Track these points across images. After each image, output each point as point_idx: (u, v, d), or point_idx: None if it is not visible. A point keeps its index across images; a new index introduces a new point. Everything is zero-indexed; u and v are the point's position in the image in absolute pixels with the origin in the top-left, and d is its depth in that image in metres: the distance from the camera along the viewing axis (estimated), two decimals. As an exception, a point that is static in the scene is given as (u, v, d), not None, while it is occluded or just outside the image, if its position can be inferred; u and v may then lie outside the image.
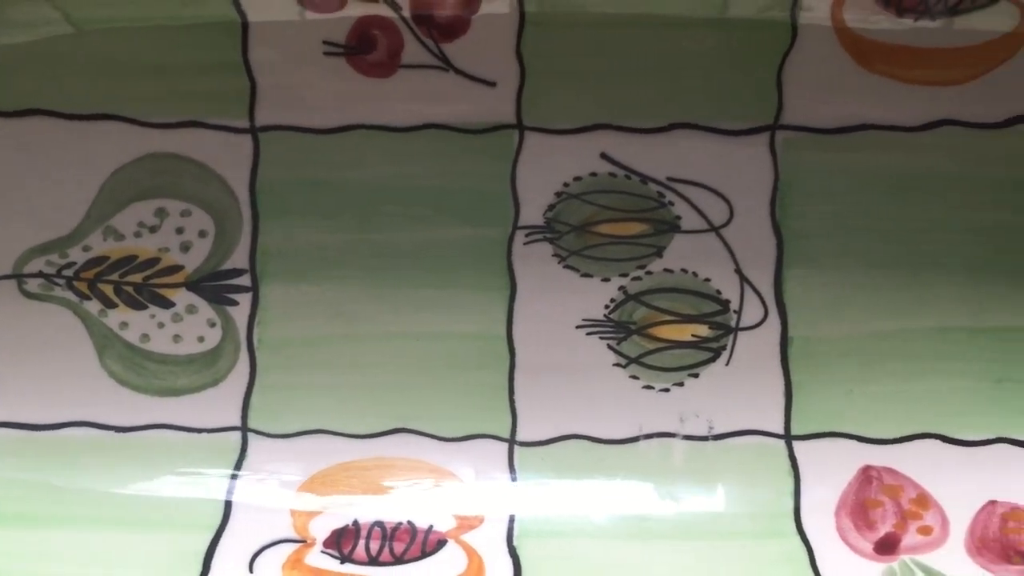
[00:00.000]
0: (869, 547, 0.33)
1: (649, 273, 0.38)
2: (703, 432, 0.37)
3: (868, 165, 0.38)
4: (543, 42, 0.37)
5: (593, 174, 0.38)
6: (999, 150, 0.37)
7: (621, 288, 0.38)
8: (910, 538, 0.33)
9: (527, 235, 0.38)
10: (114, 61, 0.37)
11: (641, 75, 0.37)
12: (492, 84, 0.38)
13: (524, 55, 0.37)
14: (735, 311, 0.38)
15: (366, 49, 0.37)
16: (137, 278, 0.38)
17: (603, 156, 0.38)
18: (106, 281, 0.38)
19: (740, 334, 0.37)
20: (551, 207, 0.38)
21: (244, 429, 0.37)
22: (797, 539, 0.34)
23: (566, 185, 0.38)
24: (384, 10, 0.36)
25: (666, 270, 0.38)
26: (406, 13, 0.36)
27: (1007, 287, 0.37)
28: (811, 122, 0.38)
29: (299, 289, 0.38)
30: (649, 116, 0.38)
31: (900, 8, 0.35)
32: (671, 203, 0.38)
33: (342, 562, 0.34)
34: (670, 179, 0.38)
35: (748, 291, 0.38)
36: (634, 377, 0.37)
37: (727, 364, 0.37)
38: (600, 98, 0.38)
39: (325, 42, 0.37)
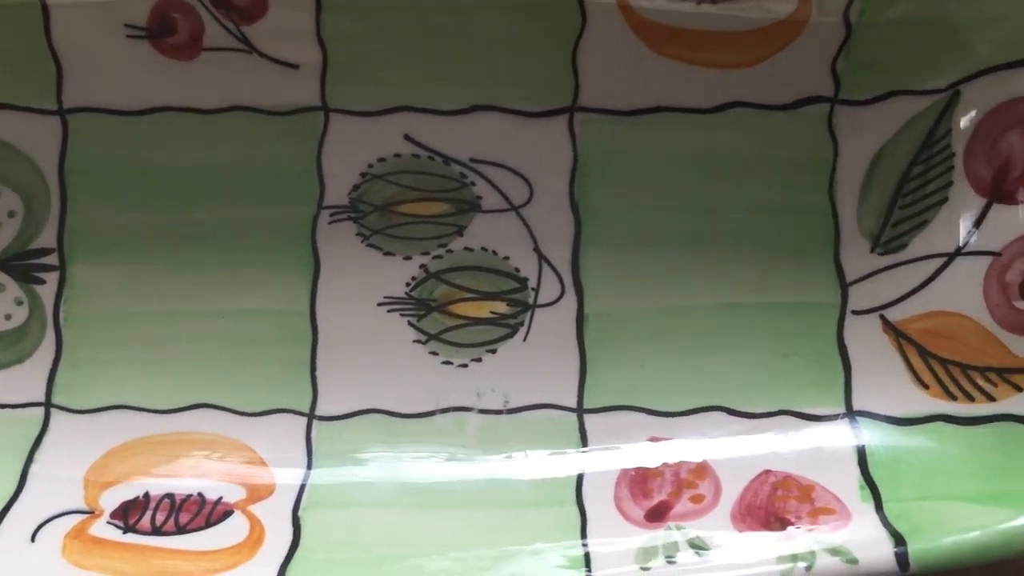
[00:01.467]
0: (641, 515, 0.33)
1: (450, 252, 0.38)
2: (498, 406, 0.37)
3: (663, 146, 0.38)
4: (343, 26, 0.37)
5: (397, 155, 0.38)
6: (787, 132, 0.37)
7: (422, 266, 0.38)
8: (681, 506, 0.33)
9: (331, 215, 0.38)
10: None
11: (442, 58, 0.37)
12: (295, 67, 0.38)
13: (324, 39, 0.37)
14: (533, 289, 0.38)
15: (167, 32, 0.37)
16: (-55, 255, 0.38)
17: (407, 138, 0.38)
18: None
19: (537, 311, 0.37)
20: (355, 187, 0.38)
21: (48, 405, 0.37)
22: (575, 508, 0.34)
23: (370, 166, 0.38)
24: None
25: (466, 249, 0.38)
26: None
27: (793, 264, 0.37)
28: (607, 104, 0.38)
29: (106, 268, 0.38)
30: (451, 98, 0.38)
31: None
32: (472, 183, 0.38)
33: (124, 532, 0.33)
34: (472, 160, 0.38)
35: (546, 269, 0.38)
36: (433, 353, 0.37)
37: (524, 340, 0.37)
38: (403, 81, 0.38)
39: (127, 25, 0.37)
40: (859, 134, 0.37)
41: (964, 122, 0.34)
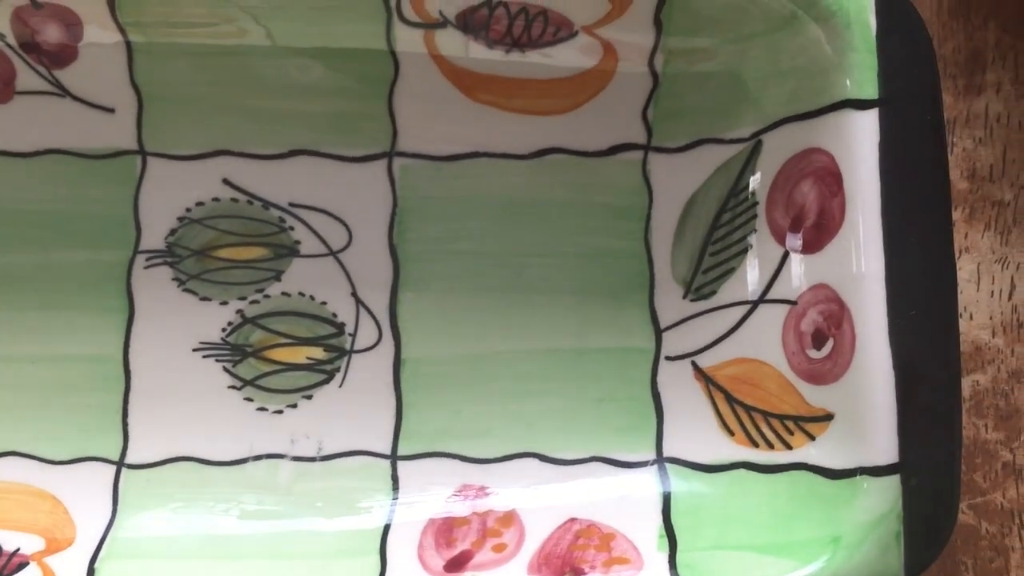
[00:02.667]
0: (441, 565, 0.32)
1: (267, 296, 0.37)
2: (312, 453, 0.36)
3: (481, 191, 0.37)
4: (156, 70, 0.36)
5: (216, 199, 0.37)
6: (603, 177, 0.37)
7: (239, 311, 0.37)
8: (482, 555, 0.32)
9: (148, 259, 0.37)
10: None
11: (258, 102, 0.37)
12: (110, 110, 0.37)
13: (138, 83, 0.36)
14: (350, 334, 0.37)
15: None
16: None
17: (225, 182, 0.37)
18: None
19: (354, 356, 0.37)
20: (173, 231, 0.37)
21: None
22: (376, 557, 0.33)
23: (188, 210, 0.37)
24: None
25: (284, 293, 0.37)
26: (11, 41, 0.35)
27: (609, 308, 0.36)
28: (425, 149, 0.37)
29: None
30: (270, 143, 0.37)
31: (489, 40, 0.35)
32: (291, 228, 0.37)
33: (-87, 586, 0.32)
34: (292, 204, 0.37)
35: (363, 314, 0.37)
36: (248, 399, 0.36)
37: (340, 386, 0.37)
38: (221, 124, 0.37)
39: None
40: (672, 181, 0.36)
41: (765, 171, 0.34)
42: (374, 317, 0.37)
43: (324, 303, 0.37)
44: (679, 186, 0.36)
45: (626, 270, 0.37)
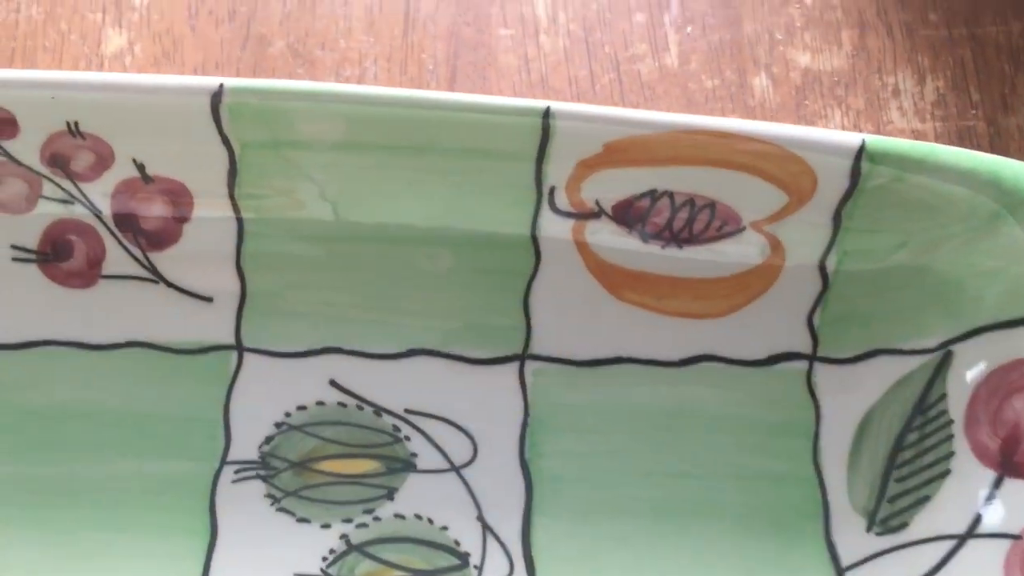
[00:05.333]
0: None
1: (377, 519, 0.30)
2: None
3: (624, 401, 0.32)
4: (266, 253, 0.31)
5: (320, 403, 0.31)
6: (763, 390, 0.32)
7: (343, 537, 0.30)
8: None
9: (237, 471, 0.31)
10: None
11: (374, 295, 0.32)
12: (208, 299, 0.31)
13: (244, 269, 0.31)
14: (476, 567, 0.30)
15: (62, 256, 0.31)
16: None
17: (332, 383, 0.32)
18: None
19: (481, 594, 0.30)
20: (268, 440, 0.31)
21: None
22: None
23: (288, 415, 0.31)
24: (81, 213, 0.30)
25: (397, 516, 0.30)
26: (107, 218, 0.30)
27: (779, 542, 0.30)
28: (562, 352, 0.32)
29: None
30: (386, 340, 0.32)
31: (644, 234, 0.31)
32: (407, 438, 0.31)
33: None
34: (408, 411, 0.32)
35: (491, 542, 0.30)
36: (353, 646, 0.29)
37: (464, 630, 0.29)
38: (330, 319, 0.32)
39: (14, 247, 0.31)
40: (842, 396, 0.31)
41: (960, 386, 0.29)
42: (504, 547, 0.30)
43: (445, 528, 0.30)
44: (851, 402, 0.31)
45: (794, 496, 0.31)
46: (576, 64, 0.37)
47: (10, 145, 0.28)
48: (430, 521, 0.30)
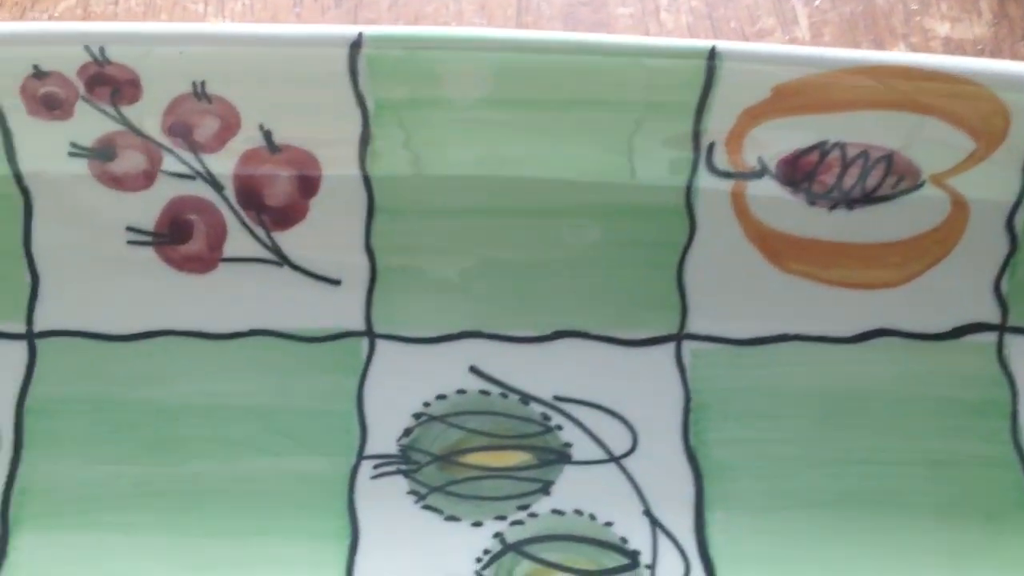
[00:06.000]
0: None
1: (533, 516, 0.27)
2: None
3: (793, 382, 0.29)
4: (398, 232, 0.28)
5: (461, 391, 0.28)
6: (949, 366, 0.28)
7: (497, 535, 0.27)
8: None
9: (376, 467, 0.27)
10: None
11: (515, 272, 0.29)
12: (336, 282, 0.29)
13: (375, 247, 0.28)
14: (648, 566, 0.26)
15: (180, 238, 0.28)
16: None
17: (473, 370, 0.28)
18: None
19: (655, 596, 0.26)
20: (407, 432, 0.28)
21: None
22: None
23: (427, 405, 0.28)
24: (203, 190, 0.28)
25: (555, 511, 0.27)
26: (230, 193, 0.28)
27: (986, 534, 0.26)
28: (722, 331, 0.29)
29: (67, 539, 0.26)
30: (529, 322, 0.29)
31: (810, 195, 0.28)
32: (559, 427, 0.28)
33: None
34: (557, 398, 0.28)
35: (662, 539, 0.27)
36: (517, 658, 0.25)
37: (641, 637, 0.25)
38: (467, 300, 0.29)
39: (130, 228, 0.28)
40: (1040, 368, 0.28)
41: None
42: (677, 544, 0.26)
43: (609, 524, 0.26)
44: (1052, 374, 0.27)
45: (998, 482, 0.27)
46: (700, 42, 0.34)
47: (130, 111, 0.25)
48: (592, 517, 0.26)
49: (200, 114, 0.26)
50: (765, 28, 0.35)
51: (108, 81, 0.25)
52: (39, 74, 0.24)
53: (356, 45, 0.25)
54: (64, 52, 0.24)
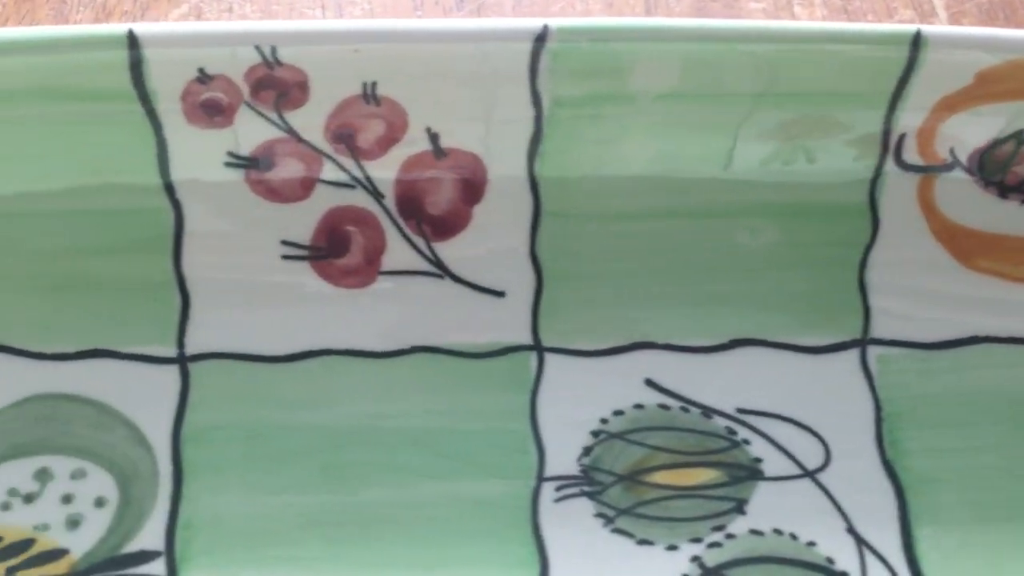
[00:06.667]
0: None
1: (731, 537, 0.25)
2: None
3: (988, 388, 0.27)
4: (565, 238, 0.26)
5: (638, 406, 0.26)
6: None
7: (696, 559, 0.25)
8: None
9: (558, 489, 0.25)
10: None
11: (688, 278, 0.27)
12: (499, 294, 0.27)
13: (540, 255, 0.26)
14: None
15: (337, 251, 0.26)
16: (-6, 569, 0.24)
17: (648, 383, 0.26)
18: (-56, 577, 0.23)
19: (870, 621, 0.24)
20: (587, 451, 0.26)
21: None
22: None
23: (604, 422, 0.26)
24: (362, 199, 0.26)
25: (753, 531, 0.25)
26: (390, 202, 0.26)
27: None
28: (909, 334, 0.27)
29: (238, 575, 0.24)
30: (705, 330, 0.27)
31: (1003, 187, 0.26)
32: (746, 441, 0.26)
33: None
34: (740, 411, 0.26)
35: (871, 559, 0.25)
36: None
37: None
38: (638, 309, 0.27)
39: (284, 242, 0.26)
40: None
41: None
42: (886, 563, 0.24)
43: (812, 544, 0.24)
44: None
45: None
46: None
47: (294, 117, 0.24)
48: (793, 536, 0.24)
49: (366, 117, 0.24)
50: (903, 20, 0.34)
51: (275, 84, 0.23)
52: (203, 78, 0.23)
53: (541, 38, 0.23)
54: (233, 54, 0.22)
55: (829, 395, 0.26)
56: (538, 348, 0.26)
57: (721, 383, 0.26)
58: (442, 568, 0.24)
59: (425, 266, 0.26)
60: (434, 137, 0.25)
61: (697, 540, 0.25)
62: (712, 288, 0.27)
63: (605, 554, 0.24)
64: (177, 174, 0.24)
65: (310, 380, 0.26)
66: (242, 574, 0.23)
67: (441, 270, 0.26)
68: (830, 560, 0.24)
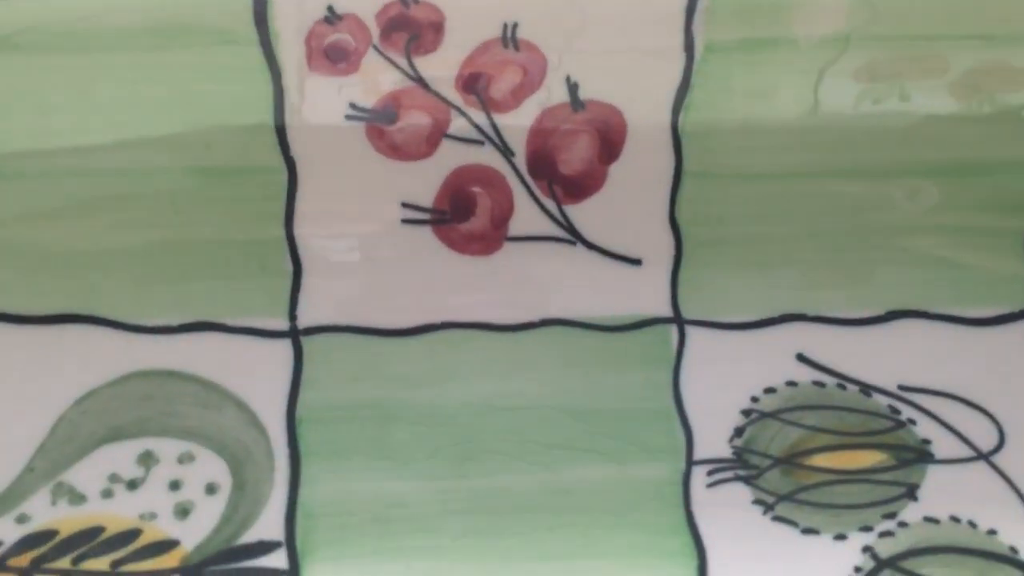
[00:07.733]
0: None
1: (904, 525, 0.22)
2: None
3: None
4: (708, 200, 0.24)
5: (791, 383, 0.24)
6: None
7: (867, 550, 0.22)
8: None
9: (710, 473, 0.23)
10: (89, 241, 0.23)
11: (839, 245, 0.24)
12: (636, 262, 0.24)
13: (679, 219, 0.24)
14: None
15: (461, 215, 0.24)
16: (103, 564, 0.21)
17: (800, 358, 0.24)
18: (51, 571, 0.21)
19: (1063, 616, 0.21)
20: (739, 431, 0.23)
21: None
22: None
23: (755, 400, 0.24)
24: (490, 157, 0.23)
25: (927, 519, 0.22)
26: (520, 161, 0.23)
27: None
28: (1081, 306, 0.24)
29: (362, 572, 0.21)
30: (857, 302, 0.24)
31: None
32: (911, 421, 0.23)
33: None
34: (903, 388, 0.24)
35: None
36: None
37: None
38: (790, 277, 0.24)
39: (405, 205, 0.24)
40: None
41: None
42: (1076, 552, 0.21)
43: (992, 532, 0.22)
44: None
45: None
46: None
47: (424, 63, 0.21)
48: (971, 524, 0.22)
49: (502, 64, 0.21)
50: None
51: (408, 25, 0.20)
52: (331, 18, 0.20)
53: (703, -26, 0.20)
54: (367, -11, 0.20)
55: (997, 370, 0.24)
56: (678, 321, 0.24)
57: (880, 358, 0.24)
58: (591, 560, 0.21)
59: (556, 231, 0.24)
60: (573, 87, 0.22)
61: (867, 529, 0.22)
62: (867, 255, 0.24)
63: (767, 544, 0.22)
64: (294, 131, 0.22)
65: (432, 356, 0.23)
66: (372, 568, 0.21)
67: (573, 235, 0.24)
68: (1014, 549, 0.22)
